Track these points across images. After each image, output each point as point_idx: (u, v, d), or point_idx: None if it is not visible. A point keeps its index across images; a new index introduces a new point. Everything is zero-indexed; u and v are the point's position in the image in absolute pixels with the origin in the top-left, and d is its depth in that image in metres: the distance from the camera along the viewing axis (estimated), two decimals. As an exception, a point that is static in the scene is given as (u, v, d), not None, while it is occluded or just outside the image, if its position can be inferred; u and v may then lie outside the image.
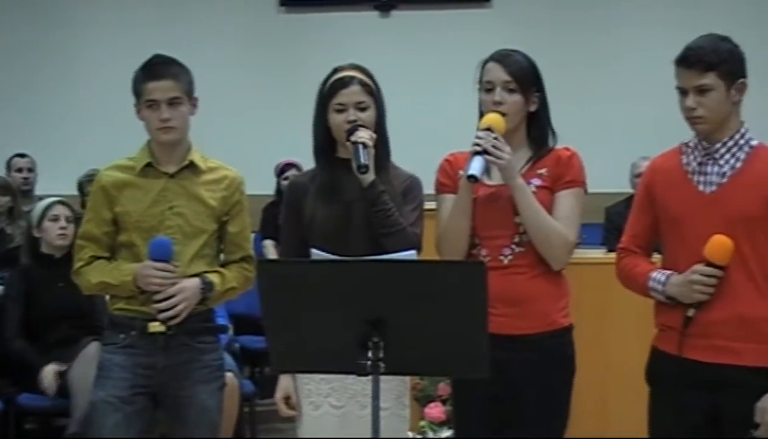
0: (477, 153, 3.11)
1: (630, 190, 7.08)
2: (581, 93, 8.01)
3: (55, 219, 5.23)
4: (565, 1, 8.56)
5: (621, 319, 4.61)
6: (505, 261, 3.20)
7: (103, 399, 3.43)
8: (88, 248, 3.50)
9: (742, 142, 3.10)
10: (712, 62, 3.02)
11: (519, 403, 3.18)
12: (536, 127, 3.30)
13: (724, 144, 3.09)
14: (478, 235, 3.23)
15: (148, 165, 3.49)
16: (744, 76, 3.08)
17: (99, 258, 3.49)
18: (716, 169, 3.09)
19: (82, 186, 7.08)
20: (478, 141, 3.12)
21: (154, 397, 3.47)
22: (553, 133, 3.32)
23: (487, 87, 3.25)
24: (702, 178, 3.11)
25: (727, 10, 8.07)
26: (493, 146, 3.10)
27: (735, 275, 3.02)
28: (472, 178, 3.09)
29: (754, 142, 3.11)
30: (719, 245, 3.00)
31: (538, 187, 3.21)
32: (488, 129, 3.14)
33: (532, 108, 3.28)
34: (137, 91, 3.46)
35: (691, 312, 3.06)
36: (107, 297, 3.57)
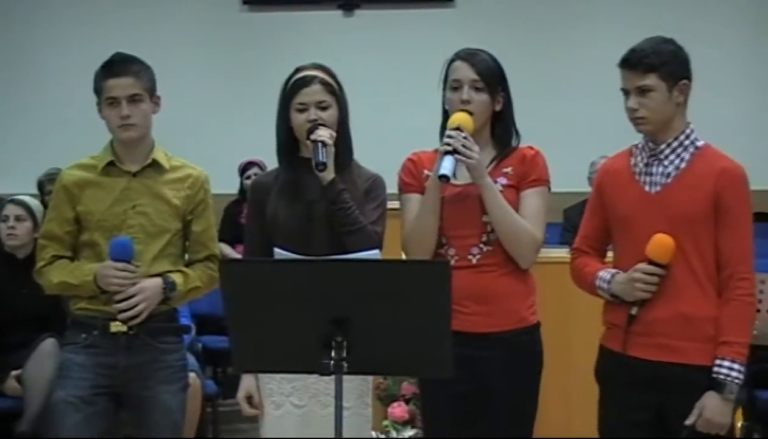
0: (447, 152, 3.11)
1: (588, 189, 7.14)
2: (543, 92, 8.04)
3: (5, 219, 5.17)
4: (528, 1, 8.59)
5: (584, 317, 4.60)
6: (474, 260, 3.21)
7: (63, 399, 3.41)
8: (50, 248, 3.48)
9: (687, 142, 3.15)
10: (654, 64, 3.07)
11: (488, 400, 3.19)
12: (501, 127, 3.32)
13: (669, 145, 3.14)
14: (445, 234, 3.24)
15: (111, 164, 3.47)
16: (687, 77, 3.14)
17: (61, 257, 3.47)
18: (661, 169, 3.14)
19: (42, 185, 7.01)
20: (448, 140, 3.12)
21: (117, 397, 3.45)
22: (517, 133, 3.33)
23: (454, 85, 3.25)
24: (648, 179, 3.16)
25: (689, 10, 8.14)
26: (463, 146, 3.11)
27: (678, 273, 3.07)
28: (443, 178, 3.09)
29: (699, 143, 3.16)
30: (660, 243, 3.05)
31: (504, 186, 3.23)
32: (457, 128, 3.15)
33: (497, 107, 3.29)
34: (98, 89, 3.44)
35: (634, 310, 3.10)
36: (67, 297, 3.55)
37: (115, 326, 3.37)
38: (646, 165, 3.16)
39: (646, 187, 3.15)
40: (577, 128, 8.14)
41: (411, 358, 2.61)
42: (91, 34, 8.28)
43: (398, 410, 4.83)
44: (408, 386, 4.78)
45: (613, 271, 3.18)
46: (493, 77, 3.25)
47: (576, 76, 8.29)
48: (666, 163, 3.14)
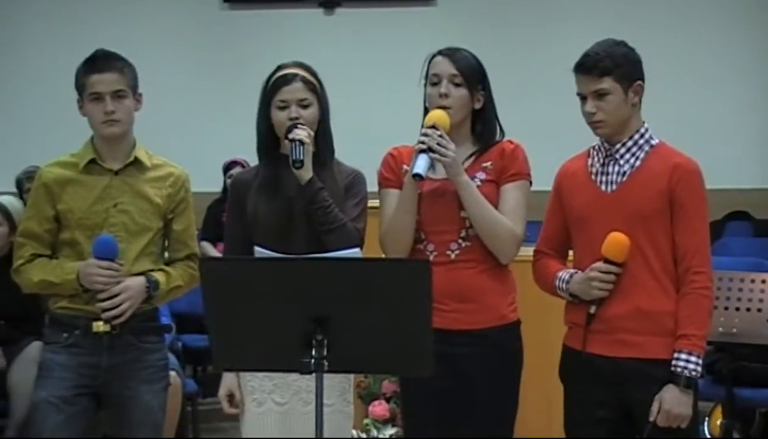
0: (422, 151, 3.11)
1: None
2: (525, 91, 8.06)
3: None
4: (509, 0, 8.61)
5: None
6: (452, 256, 3.21)
7: (44, 399, 3.39)
8: (28, 246, 3.45)
9: (641, 141, 3.18)
10: (608, 67, 3.11)
11: (469, 397, 3.20)
12: (482, 124, 3.32)
13: (624, 144, 3.18)
14: (424, 230, 3.24)
15: (92, 162, 3.45)
16: (641, 78, 3.17)
17: (40, 256, 3.45)
18: (617, 168, 3.18)
19: (20, 183, 6.98)
20: (423, 139, 3.13)
21: (97, 397, 3.43)
22: (501, 130, 3.34)
23: (433, 80, 3.26)
24: (604, 178, 3.19)
25: (669, 7, 8.17)
26: (438, 144, 3.11)
27: (635, 269, 3.10)
28: (417, 176, 3.10)
29: (654, 141, 3.20)
30: (615, 242, 3.08)
31: (483, 180, 3.23)
32: (433, 126, 3.15)
33: (477, 105, 3.29)
34: (80, 86, 3.42)
35: (592, 309, 3.14)
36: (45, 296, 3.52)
37: (98, 326, 3.36)
38: (603, 165, 3.20)
39: (603, 187, 3.18)
40: (559, 126, 8.12)
41: (392, 356, 2.62)
42: (71, 32, 8.24)
43: (379, 408, 4.84)
44: (389, 385, 4.78)
45: (572, 271, 3.21)
46: (472, 74, 3.26)
47: (558, 74, 8.20)
48: (622, 162, 3.17)
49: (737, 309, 4.76)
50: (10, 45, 8.69)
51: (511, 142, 3.32)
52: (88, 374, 3.39)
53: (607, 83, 3.12)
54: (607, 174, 3.19)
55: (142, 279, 3.39)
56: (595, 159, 3.23)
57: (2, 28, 8.66)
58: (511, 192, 3.24)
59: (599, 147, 3.23)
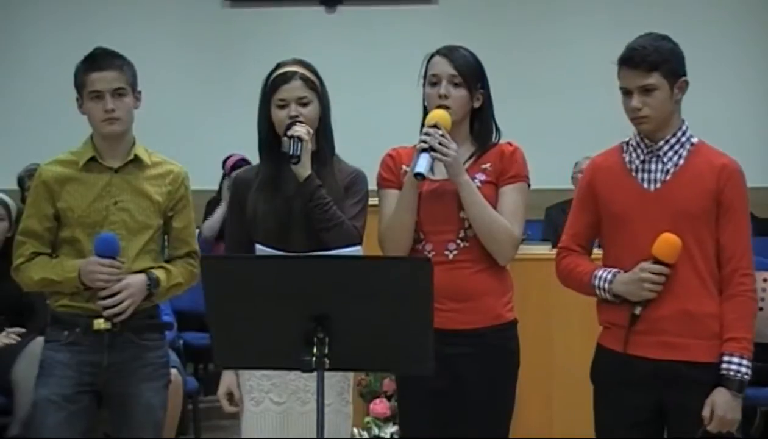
0: (424, 150, 3.11)
1: (571, 187, 7.16)
2: (526, 90, 8.06)
3: None
4: (510, -1, 8.61)
5: (565, 314, 4.65)
6: (451, 256, 3.21)
7: (45, 397, 3.39)
8: (28, 244, 3.45)
9: (684, 139, 3.13)
10: (656, 62, 3.04)
11: (464, 396, 3.19)
12: (480, 124, 3.32)
13: (667, 141, 3.12)
14: (422, 230, 3.24)
15: (92, 160, 3.45)
16: (685, 74, 3.12)
17: (40, 254, 3.45)
18: (660, 166, 3.12)
19: (22, 181, 6.97)
20: (425, 138, 3.13)
21: (98, 395, 3.43)
22: (498, 129, 3.33)
23: (432, 80, 3.26)
24: (646, 176, 3.13)
25: (668, 8, 8.16)
26: (440, 143, 3.11)
27: (681, 271, 3.05)
28: (419, 176, 3.10)
29: (694, 140, 3.15)
30: (668, 242, 3.02)
31: (482, 182, 3.23)
32: (435, 126, 3.15)
33: (476, 104, 3.29)
34: (79, 84, 3.42)
35: (638, 310, 3.07)
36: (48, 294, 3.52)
37: (99, 324, 3.36)
38: (643, 162, 3.14)
39: (645, 185, 3.13)
40: (559, 125, 8.16)
41: (392, 354, 2.61)
42: (72, 30, 8.24)
43: (380, 406, 4.84)
44: (390, 383, 4.78)
45: (614, 270, 3.13)
46: (471, 73, 3.25)
47: (558, 74, 8.31)
48: (665, 159, 3.11)
49: (761, 309, 4.75)
50: (10, 44, 8.68)
51: (510, 144, 3.31)
52: (89, 372, 3.39)
53: (654, 79, 3.05)
54: (649, 172, 3.13)
55: (142, 277, 3.39)
56: (634, 155, 3.16)
57: (3, 27, 8.66)
58: (509, 194, 3.24)
59: (637, 143, 3.16)
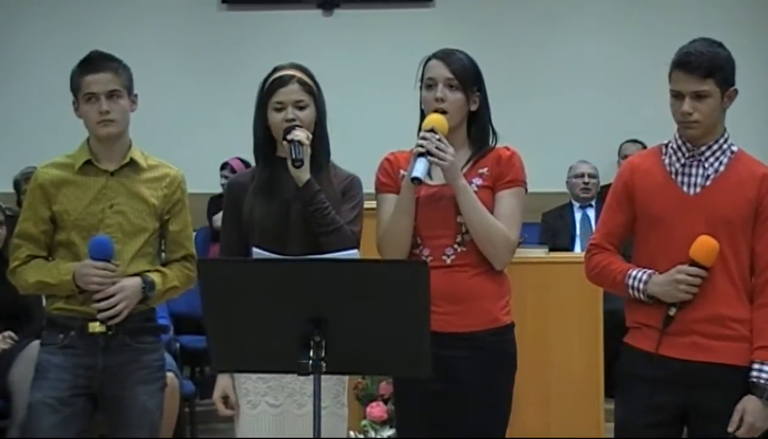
0: (421, 155, 3.11)
1: (564, 191, 7.17)
2: (522, 93, 8.05)
3: None
4: (508, 2, 8.60)
5: (562, 318, 4.65)
6: (448, 261, 3.21)
7: (40, 400, 3.39)
8: (24, 247, 3.45)
9: (725, 146, 3.16)
10: (712, 69, 3.06)
11: (461, 400, 3.19)
12: (477, 127, 3.32)
13: (710, 147, 3.14)
14: (420, 235, 3.24)
15: (88, 163, 3.45)
16: (734, 83, 3.13)
17: (36, 257, 3.44)
18: (701, 171, 3.14)
19: (18, 184, 6.97)
20: (421, 142, 3.13)
21: (94, 398, 3.42)
22: (494, 133, 3.33)
23: (428, 83, 3.26)
24: (686, 180, 3.15)
25: (666, 9, 8.16)
26: (437, 148, 3.11)
27: (716, 275, 3.08)
28: (416, 180, 3.10)
29: (735, 148, 3.18)
30: (705, 245, 3.05)
31: (479, 186, 3.23)
32: (431, 130, 3.14)
33: (473, 107, 3.29)
34: (75, 87, 3.42)
35: (672, 311, 3.10)
36: (44, 297, 3.52)
37: (94, 327, 3.35)
38: (684, 166, 3.15)
39: (684, 188, 3.14)
40: (555, 129, 8.15)
41: (389, 358, 2.61)
42: (68, 33, 8.22)
43: (377, 409, 4.83)
44: (386, 386, 4.77)
45: (649, 271, 3.14)
46: (468, 76, 3.25)
47: (555, 77, 8.30)
48: (706, 165, 3.13)
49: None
50: (6, 47, 8.66)
51: (507, 148, 3.31)
52: (84, 375, 3.38)
53: (709, 85, 3.06)
54: (690, 176, 3.14)
55: (137, 280, 3.39)
56: (674, 158, 3.17)
57: (-1, 30, 8.66)
58: (506, 198, 3.24)
59: (678, 146, 3.17)
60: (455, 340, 3.15)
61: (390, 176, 3.31)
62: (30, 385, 3.50)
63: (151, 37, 8.41)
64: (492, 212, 3.20)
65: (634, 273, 3.16)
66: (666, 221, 3.14)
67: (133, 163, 3.47)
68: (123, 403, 3.42)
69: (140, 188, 3.46)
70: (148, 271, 3.44)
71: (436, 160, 3.12)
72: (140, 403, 3.43)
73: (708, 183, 3.13)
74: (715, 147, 3.14)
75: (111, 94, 3.38)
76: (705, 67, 3.05)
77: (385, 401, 4.83)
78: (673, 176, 3.16)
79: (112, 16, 8.48)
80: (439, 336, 3.03)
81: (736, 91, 3.14)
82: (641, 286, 3.13)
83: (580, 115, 8.06)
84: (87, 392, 3.40)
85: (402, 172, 3.26)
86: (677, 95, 3.10)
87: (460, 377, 3.17)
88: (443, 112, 3.20)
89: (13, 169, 7.18)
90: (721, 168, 3.13)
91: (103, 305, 3.33)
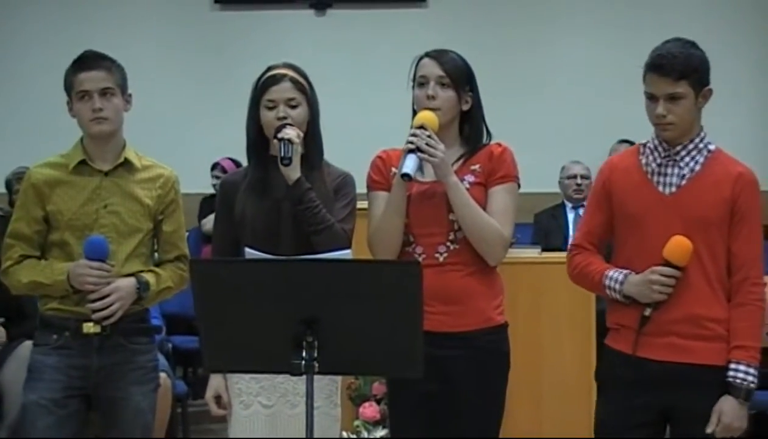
0: (410, 151, 3.11)
1: (557, 191, 7.17)
2: (515, 93, 8.06)
3: None
4: (501, 2, 8.61)
5: (555, 318, 4.65)
6: (441, 259, 3.21)
7: (34, 402, 3.38)
8: (17, 247, 3.44)
9: (701, 145, 3.15)
10: (686, 71, 3.06)
11: (454, 399, 3.19)
12: (469, 126, 3.32)
13: (685, 147, 3.14)
14: (412, 233, 3.24)
15: (82, 162, 3.44)
16: (709, 82, 3.13)
17: (29, 257, 3.44)
18: (676, 171, 3.14)
19: (9, 184, 6.96)
20: (411, 139, 3.13)
21: (88, 399, 3.42)
22: (489, 132, 3.33)
23: (420, 81, 3.26)
24: (662, 179, 3.15)
25: (661, 9, 8.17)
26: (427, 144, 3.11)
27: (692, 275, 3.08)
28: (405, 176, 3.10)
29: (712, 147, 3.17)
30: (679, 245, 3.05)
31: (471, 183, 3.23)
32: (421, 127, 3.15)
33: (465, 107, 3.29)
34: (68, 85, 3.42)
35: (648, 312, 3.10)
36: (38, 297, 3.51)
37: (88, 328, 3.35)
38: (660, 166, 3.15)
39: (660, 188, 3.15)
40: (547, 129, 8.16)
41: (382, 358, 2.61)
42: (61, 34, 8.21)
43: (369, 410, 4.83)
44: (379, 386, 4.78)
45: (625, 271, 3.14)
46: (459, 75, 3.25)
47: (548, 77, 8.32)
48: (682, 164, 3.13)
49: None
50: (-1, 47, 8.66)
51: (499, 144, 3.31)
52: (79, 375, 3.38)
53: (682, 87, 3.06)
54: (665, 175, 3.14)
55: (132, 280, 3.39)
56: (650, 158, 3.17)
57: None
58: (499, 194, 3.24)
59: (655, 146, 3.17)
60: (449, 340, 3.16)
61: (382, 174, 3.31)
62: (22, 386, 3.49)
63: (143, 37, 8.41)
64: (485, 209, 3.20)
65: (611, 274, 3.16)
66: (642, 221, 3.14)
67: (127, 164, 3.46)
68: (117, 403, 3.42)
69: (134, 189, 3.45)
70: (142, 271, 3.44)
71: (426, 156, 3.12)
72: (134, 403, 3.43)
73: (684, 183, 3.13)
74: (691, 147, 3.14)
75: (104, 92, 3.38)
76: (678, 70, 3.05)
77: (378, 402, 4.83)
78: (650, 176, 3.16)
79: (105, 17, 8.47)
80: (433, 336, 3.03)
81: (710, 91, 3.13)
82: (618, 286, 3.14)
83: (572, 115, 8.07)
84: (81, 393, 3.40)
85: (394, 170, 3.26)
86: (651, 97, 3.11)
87: (454, 378, 3.18)
88: (434, 109, 3.21)
89: (4, 169, 7.16)
90: (697, 168, 3.13)
91: (97, 305, 3.33)
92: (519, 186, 3.29)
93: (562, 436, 4.43)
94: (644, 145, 3.22)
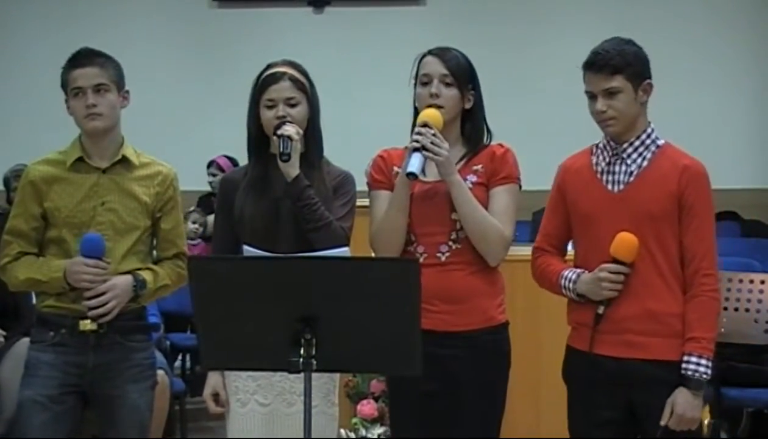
0: (416, 149, 3.11)
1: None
2: (514, 90, 8.08)
3: None
4: (498, 0, 8.62)
5: (553, 316, 4.63)
6: (443, 258, 3.21)
7: (30, 398, 3.37)
8: (15, 244, 3.44)
9: (648, 141, 3.18)
10: (619, 65, 3.10)
11: (456, 398, 3.19)
12: (471, 125, 3.32)
13: (631, 144, 3.17)
14: (414, 232, 3.24)
15: (80, 160, 3.43)
16: (649, 76, 3.17)
17: (27, 254, 3.43)
18: (624, 168, 3.17)
19: (7, 181, 6.96)
20: (416, 137, 3.12)
21: (84, 396, 3.42)
22: (489, 131, 3.33)
23: (423, 80, 3.26)
24: (610, 178, 3.18)
25: (659, 6, 8.18)
26: (432, 142, 3.11)
27: (644, 271, 3.10)
28: (411, 175, 3.10)
29: (660, 142, 3.20)
30: (624, 242, 3.08)
31: (473, 183, 3.23)
32: (426, 125, 3.14)
33: (467, 105, 3.29)
34: (64, 83, 3.42)
35: (600, 309, 3.13)
36: (33, 294, 3.51)
37: (84, 325, 3.34)
38: (608, 164, 3.19)
39: (609, 186, 3.18)
40: (546, 127, 8.18)
41: (380, 356, 2.61)
42: (58, 32, 8.22)
43: (367, 407, 4.83)
44: (377, 384, 4.78)
45: (579, 270, 3.19)
46: (463, 73, 3.25)
47: (547, 74, 8.32)
48: (629, 161, 3.16)
49: (725, 309, 4.79)
50: (-2, 44, 8.67)
51: (501, 145, 3.31)
52: (75, 372, 3.37)
53: (618, 82, 3.10)
54: (614, 173, 3.18)
55: (128, 278, 3.38)
56: (600, 158, 3.21)
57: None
58: (500, 195, 3.24)
59: (604, 145, 3.21)
60: (451, 339, 3.16)
61: (383, 173, 3.31)
62: (19, 382, 3.49)
63: (142, 35, 8.42)
64: (486, 209, 3.20)
65: (566, 273, 3.21)
66: (594, 220, 3.17)
67: (125, 161, 3.46)
68: (113, 401, 3.41)
69: (132, 186, 3.44)
70: (140, 269, 3.43)
71: (431, 155, 3.12)
72: (131, 401, 3.42)
73: (631, 180, 3.15)
74: (637, 143, 3.17)
75: (98, 89, 3.37)
76: (612, 65, 3.09)
77: (376, 399, 4.83)
78: (599, 175, 3.20)
79: (103, 15, 8.48)
80: (435, 335, 3.04)
81: (650, 85, 3.16)
82: (571, 286, 3.18)
83: (570, 113, 8.04)
84: (77, 389, 3.39)
85: (395, 169, 3.25)
86: (591, 96, 3.16)
87: (455, 376, 3.17)
88: (438, 107, 3.20)
89: (2, 167, 7.16)
90: (644, 163, 3.16)
91: (93, 302, 3.32)
92: (520, 187, 3.30)
93: (560, 436, 4.43)
94: (597, 145, 3.25)
